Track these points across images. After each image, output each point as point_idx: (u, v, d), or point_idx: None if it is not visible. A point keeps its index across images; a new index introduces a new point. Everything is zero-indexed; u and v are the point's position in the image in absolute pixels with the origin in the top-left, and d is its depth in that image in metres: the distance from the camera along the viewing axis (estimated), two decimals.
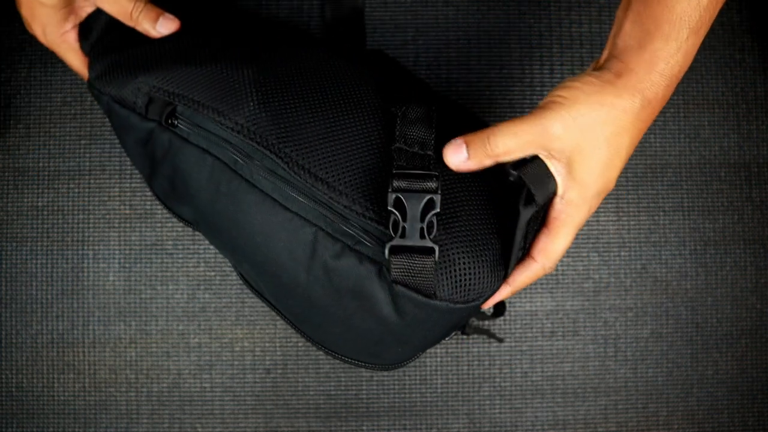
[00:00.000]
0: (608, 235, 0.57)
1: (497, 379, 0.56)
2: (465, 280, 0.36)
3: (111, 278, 0.56)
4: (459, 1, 0.57)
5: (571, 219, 0.37)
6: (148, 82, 0.41)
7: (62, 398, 0.56)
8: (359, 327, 0.40)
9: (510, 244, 0.37)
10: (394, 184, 0.35)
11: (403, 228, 0.35)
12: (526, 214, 0.36)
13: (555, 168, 0.36)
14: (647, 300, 0.57)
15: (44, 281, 0.56)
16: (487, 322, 0.56)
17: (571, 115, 0.35)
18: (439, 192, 0.35)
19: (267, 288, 0.43)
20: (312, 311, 0.41)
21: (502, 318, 0.56)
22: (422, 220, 0.35)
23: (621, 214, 0.57)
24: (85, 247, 0.56)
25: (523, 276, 0.39)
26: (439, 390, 0.56)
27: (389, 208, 0.35)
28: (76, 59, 0.45)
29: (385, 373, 0.56)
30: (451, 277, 0.36)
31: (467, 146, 0.36)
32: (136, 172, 0.56)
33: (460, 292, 0.36)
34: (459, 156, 0.37)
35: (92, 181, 0.56)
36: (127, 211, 0.56)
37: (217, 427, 0.56)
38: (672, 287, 0.57)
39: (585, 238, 0.57)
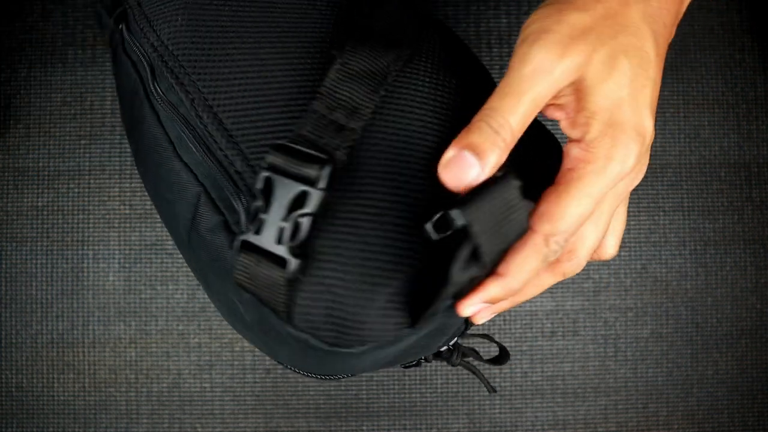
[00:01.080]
0: None
1: (497, 379, 0.56)
2: (338, 317, 0.26)
3: (111, 278, 0.56)
4: (459, 1, 0.57)
5: (594, 169, 0.25)
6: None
7: (62, 398, 0.56)
8: (244, 319, 0.31)
9: (432, 290, 0.26)
10: (270, 159, 0.26)
11: (261, 221, 0.26)
12: (461, 276, 0.25)
13: (559, 114, 0.27)
14: (647, 300, 0.57)
15: (44, 281, 0.56)
16: (484, 364, 0.51)
17: (554, 36, 0.25)
18: (322, 188, 0.25)
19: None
20: (207, 290, 0.33)
21: (502, 318, 0.56)
22: (287, 217, 0.25)
23: None
24: (85, 247, 0.56)
25: (519, 259, 0.26)
26: (439, 390, 0.56)
27: (256, 187, 0.26)
28: None
29: (385, 373, 0.56)
30: (317, 306, 0.26)
31: (474, 151, 0.25)
32: (136, 172, 0.56)
33: (329, 329, 0.27)
34: (471, 171, 0.25)
35: (92, 181, 0.56)
36: (127, 211, 0.56)
37: (217, 427, 0.56)
38: (672, 287, 0.57)
39: None
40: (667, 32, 0.27)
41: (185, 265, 0.56)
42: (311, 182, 0.25)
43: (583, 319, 0.57)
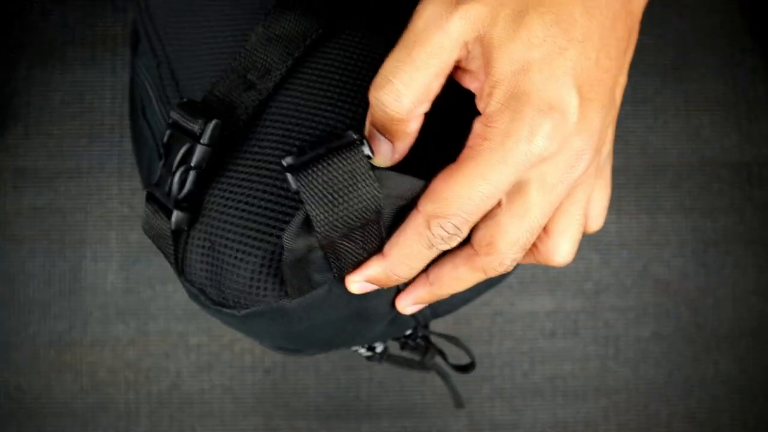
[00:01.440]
0: (608, 235, 0.57)
1: (497, 380, 0.56)
2: (217, 274, 0.26)
3: (110, 278, 0.56)
4: None
5: (490, 147, 0.22)
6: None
7: (61, 399, 0.56)
8: None
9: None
10: (172, 115, 0.26)
11: (161, 175, 0.27)
12: (292, 242, 0.24)
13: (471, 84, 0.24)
14: (648, 300, 0.57)
15: (43, 281, 0.56)
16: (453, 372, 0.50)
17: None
18: (205, 143, 0.25)
19: None
20: None
21: (502, 318, 0.56)
22: (175, 171, 0.26)
23: (621, 214, 0.57)
24: (84, 247, 0.56)
25: (401, 240, 0.24)
26: (439, 390, 0.56)
27: (162, 141, 0.27)
28: None
29: (385, 374, 0.56)
30: (202, 261, 0.27)
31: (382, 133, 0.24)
32: (136, 172, 0.56)
33: (212, 286, 0.27)
34: (384, 147, 0.24)
35: (92, 181, 0.56)
36: (127, 211, 0.56)
37: (216, 427, 0.56)
38: (673, 287, 0.57)
39: (585, 238, 0.57)
40: None
41: None
42: (195, 137, 0.25)
43: (583, 320, 0.56)
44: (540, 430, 0.56)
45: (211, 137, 0.25)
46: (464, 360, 0.56)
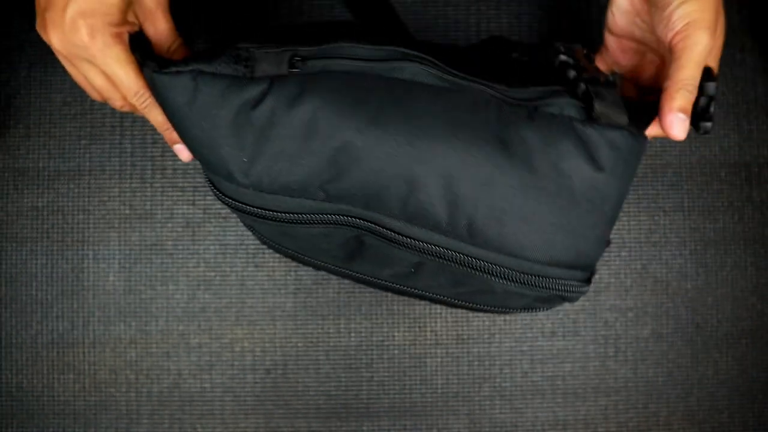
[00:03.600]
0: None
1: (497, 379, 0.56)
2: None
3: (111, 278, 0.56)
4: (459, 1, 0.57)
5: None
6: (249, 45, 0.35)
7: (62, 398, 0.56)
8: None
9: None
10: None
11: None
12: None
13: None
14: (647, 300, 0.57)
15: (44, 281, 0.56)
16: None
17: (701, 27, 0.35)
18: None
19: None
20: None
21: (502, 318, 0.56)
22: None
23: (621, 214, 0.57)
24: (85, 248, 0.56)
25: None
26: (439, 390, 0.56)
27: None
28: (124, 64, 0.37)
29: (386, 373, 0.56)
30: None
31: (685, 113, 0.34)
32: (137, 172, 0.56)
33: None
34: (685, 126, 0.34)
35: (92, 181, 0.56)
36: (127, 212, 0.56)
37: (217, 427, 0.56)
38: (672, 287, 0.57)
39: None
40: None
41: (185, 265, 0.56)
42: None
43: (583, 320, 0.57)
44: (540, 429, 0.56)
45: None
46: (465, 361, 0.56)
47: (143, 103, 0.38)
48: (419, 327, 0.56)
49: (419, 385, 0.56)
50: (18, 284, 0.56)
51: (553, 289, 0.35)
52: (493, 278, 0.35)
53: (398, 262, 0.39)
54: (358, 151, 0.33)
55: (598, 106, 0.33)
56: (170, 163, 0.56)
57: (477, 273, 0.35)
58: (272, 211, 0.36)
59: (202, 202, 0.56)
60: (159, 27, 0.38)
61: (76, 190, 0.56)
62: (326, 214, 0.36)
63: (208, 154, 0.35)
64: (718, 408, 0.57)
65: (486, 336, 0.56)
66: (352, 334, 0.56)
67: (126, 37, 0.36)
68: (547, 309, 0.40)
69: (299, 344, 0.56)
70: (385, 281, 0.44)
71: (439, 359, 0.56)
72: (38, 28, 0.36)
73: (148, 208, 0.56)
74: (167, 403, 0.56)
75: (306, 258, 0.45)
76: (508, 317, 0.56)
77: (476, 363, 0.56)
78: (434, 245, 0.35)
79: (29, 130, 0.56)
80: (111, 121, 0.56)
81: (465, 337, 0.56)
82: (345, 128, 0.33)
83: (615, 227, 0.57)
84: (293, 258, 0.47)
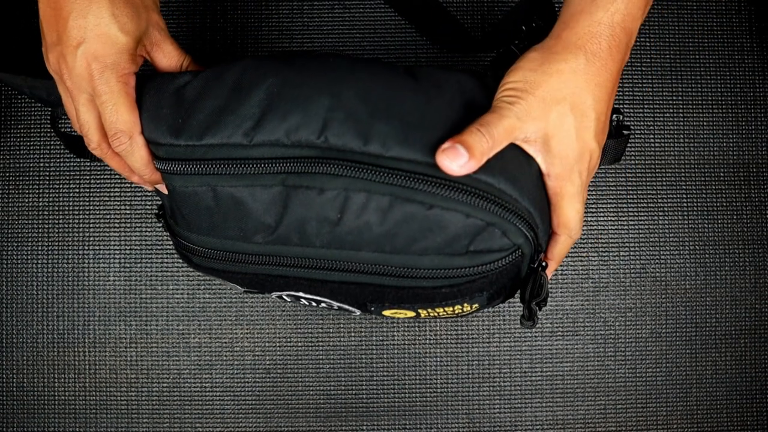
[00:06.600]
0: (608, 235, 0.57)
1: (497, 379, 0.56)
2: None
3: (111, 278, 0.56)
4: (458, 1, 0.57)
5: (567, 189, 0.37)
6: None
7: (63, 398, 0.56)
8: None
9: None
10: None
11: None
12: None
13: (533, 151, 0.36)
14: (647, 300, 0.57)
15: (45, 281, 0.56)
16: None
17: (527, 102, 0.35)
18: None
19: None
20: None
21: (502, 318, 0.56)
22: None
23: (621, 214, 0.57)
24: (86, 247, 0.56)
25: (557, 250, 0.40)
26: (439, 390, 0.56)
27: None
28: (123, 110, 0.37)
29: (386, 373, 0.56)
30: None
31: (465, 147, 0.33)
32: None
33: None
34: (459, 160, 0.33)
35: (92, 181, 0.56)
36: (128, 211, 0.56)
37: (217, 427, 0.56)
38: (671, 287, 0.57)
39: (585, 238, 0.57)
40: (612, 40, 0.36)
41: (185, 265, 0.56)
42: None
43: (582, 319, 0.57)
44: (539, 429, 0.56)
45: None
46: (464, 361, 0.56)
47: (122, 145, 0.38)
48: (419, 327, 0.56)
49: (419, 384, 0.56)
50: (18, 284, 0.56)
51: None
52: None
53: (322, 208, 0.36)
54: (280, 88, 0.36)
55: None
56: None
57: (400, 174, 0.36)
58: (208, 160, 0.37)
59: None
60: (168, 52, 0.40)
61: (76, 190, 0.56)
62: (258, 156, 0.37)
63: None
64: (717, 407, 0.57)
65: (485, 336, 0.56)
66: (352, 334, 0.56)
67: (131, 79, 0.38)
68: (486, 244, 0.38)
69: (299, 344, 0.56)
70: (320, 246, 0.38)
71: (438, 359, 0.56)
72: (46, 58, 0.38)
73: (148, 208, 0.56)
74: (167, 403, 0.56)
75: (238, 257, 0.40)
76: (507, 317, 0.56)
77: (475, 363, 0.56)
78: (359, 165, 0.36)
79: (29, 130, 0.56)
80: None
81: (464, 337, 0.56)
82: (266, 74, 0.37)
83: (615, 227, 0.57)
84: (226, 274, 0.42)
